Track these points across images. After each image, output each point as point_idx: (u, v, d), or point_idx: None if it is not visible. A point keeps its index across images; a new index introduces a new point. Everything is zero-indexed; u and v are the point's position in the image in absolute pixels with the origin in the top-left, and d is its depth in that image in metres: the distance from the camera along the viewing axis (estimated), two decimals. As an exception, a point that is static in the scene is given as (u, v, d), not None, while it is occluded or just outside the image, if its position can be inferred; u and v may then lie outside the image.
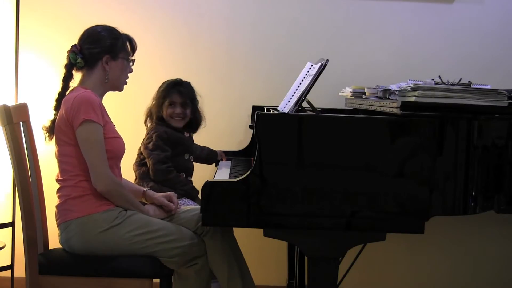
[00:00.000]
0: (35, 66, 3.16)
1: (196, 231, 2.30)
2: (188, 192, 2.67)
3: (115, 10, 3.15)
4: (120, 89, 2.36)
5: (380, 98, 2.52)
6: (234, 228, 2.39)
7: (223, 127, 3.20)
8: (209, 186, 1.99)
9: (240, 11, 3.19)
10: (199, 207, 2.21)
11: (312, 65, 2.48)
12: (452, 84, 2.27)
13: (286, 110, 2.38)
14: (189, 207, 2.44)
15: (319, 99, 2.77)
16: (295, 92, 2.43)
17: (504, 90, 2.18)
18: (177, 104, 2.72)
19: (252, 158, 2.73)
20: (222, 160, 3.00)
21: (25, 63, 3.12)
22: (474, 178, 2.03)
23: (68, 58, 2.27)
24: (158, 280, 2.32)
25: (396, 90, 2.29)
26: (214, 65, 3.20)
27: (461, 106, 2.11)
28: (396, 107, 2.06)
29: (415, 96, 2.10)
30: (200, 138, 2.94)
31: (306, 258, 2.09)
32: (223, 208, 1.99)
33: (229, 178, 2.46)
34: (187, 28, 3.18)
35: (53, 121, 2.29)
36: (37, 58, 3.16)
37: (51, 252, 2.30)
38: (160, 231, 2.22)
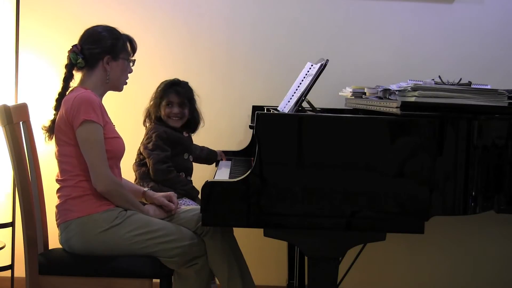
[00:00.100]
0: (35, 66, 3.16)
1: (196, 231, 2.30)
2: (188, 192, 2.67)
3: (115, 10, 3.15)
4: (120, 89, 2.37)
5: (380, 98, 2.52)
6: (234, 228, 2.38)
7: (223, 127, 3.20)
8: (209, 186, 1.99)
9: (240, 11, 3.19)
10: (199, 207, 2.21)
11: (312, 65, 2.48)
12: (452, 84, 2.27)
13: (286, 110, 2.38)
14: (189, 207, 2.44)
15: (319, 99, 2.77)
16: (295, 92, 2.43)
17: (504, 90, 2.18)
18: (174, 104, 2.72)
19: (252, 158, 2.73)
20: (222, 160, 3.00)
21: (25, 63, 3.12)
22: (474, 178, 2.03)
23: (69, 58, 2.27)
24: (158, 280, 2.32)
25: (396, 90, 2.29)
26: (214, 65, 3.20)
27: (461, 106, 2.11)
28: (396, 107, 2.06)
29: (415, 96, 2.10)
30: (200, 138, 2.94)
31: (306, 258, 2.09)
32: (223, 208, 1.99)
33: (229, 178, 2.46)
34: (187, 28, 3.18)
35: (53, 121, 2.29)
36: (37, 58, 3.16)
37: (51, 252, 2.30)
38: (160, 231, 2.22)
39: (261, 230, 2.03)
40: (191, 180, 2.77)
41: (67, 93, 2.29)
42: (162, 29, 3.18)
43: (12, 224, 2.98)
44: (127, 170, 2.61)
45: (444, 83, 2.28)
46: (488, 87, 2.32)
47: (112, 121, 2.32)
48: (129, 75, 2.37)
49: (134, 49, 2.37)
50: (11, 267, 3.01)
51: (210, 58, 3.19)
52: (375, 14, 3.19)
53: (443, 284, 3.29)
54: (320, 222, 1.99)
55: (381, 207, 1.99)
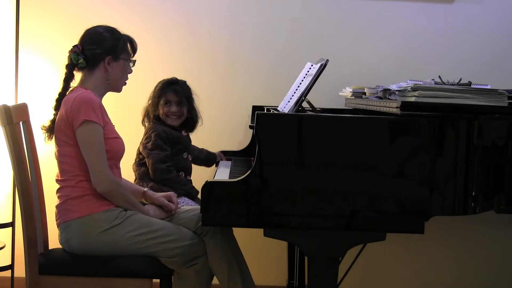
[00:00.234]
0: (35, 66, 3.16)
1: (196, 231, 2.30)
2: (188, 191, 2.67)
3: (116, 10, 3.15)
4: (119, 90, 2.37)
5: (380, 98, 2.52)
6: (234, 228, 2.38)
7: (223, 127, 3.20)
8: (209, 186, 1.99)
9: (240, 11, 3.18)
10: (199, 207, 2.21)
11: (312, 65, 2.48)
12: (452, 84, 2.27)
13: (286, 110, 2.38)
14: (189, 207, 2.44)
15: (319, 99, 2.77)
16: (295, 92, 2.43)
17: (504, 90, 2.18)
18: (172, 103, 2.72)
19: (252, 158, 2.73)
20: (221, 160, 3.00)
21: (25, 63, 3.12)
22: (474, 178, 2.03)
23: (70, 58, 2.27)
24: (158, 280, 2.32)
25: (396, 90, 2.29)
26: (214, 65, 3.19)
27: (461, 106, 2.11)
28: (396, 107, 2.06)
29: (415, 96, 2.10)
30: (200, 138, 2.94)
31: (306, 258, 2.09)
32: (223, 208, 1.99)
33: (229, 178, 2.46)
34: (187, 29, 3.18)
35: (53, 121, 2.29)
36: (37, 58, 3.15)
37: (51, 252, 2.30)
38: (160, 231, 2.23)
39: (261, 230, 2.03)
40: (191, 180, 2.77)
41: (67, 93, 2.29)
42: (162, 29, 3.18)
43: (12, 224, 2.98)
44: (127, 170, 2.61)
45: (444, 83, 2.28)
46: (488, 87, 2.32)
47: (112, 121, 2.32)
48: (129, 75, 2.38)
49: (134, 50, 2.37)
50: (11, 267, 3.01)
51: (210, 58, 3.19)
52: (375, 14, 3.19)
53: (443, 284, 3.29)
54: (320, 222, 1.99)
55: (381, 207, 1.99)
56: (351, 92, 2.86)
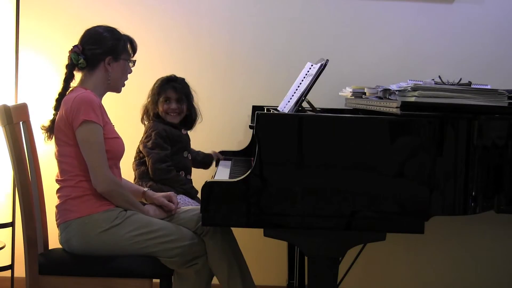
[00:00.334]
0: (35, 66, 3.15)
1: (196, 231, 2.30)
2: (187, 191, 2.67)
3: (116, 10, 3.15)
4: (119, 90, 2.37)
5: (380, 98, 2.52)
6: (234, 228, 2.38)
7: (223, 127, 3.20)
8: (209, 186, 1.99)
9: (240, 11, 3.18)
10: (199, 207, 2.21)
11: (312, 65, 2.48)
12: (452, 84, 2.27)
13: (286, 110, 2.38)
14: (189, 207, 2.44)
15: (319, 99, 2.77)
16: (295, 92, 2.43)
17: (504, 90, 2.18)
18: (172, 100, 2.71)
19: (252, 158, 2.73)
20: (219, 159, 2.99)
21: (25, 63, 3.12)
22: (474, 178, 2.03)
23: (70, 58, 2.27)
24: (158, 280, 2.32)
25: (396, 90, 2.29)
26: (214, 65, 3.19)
27: (461, 106, 2.11)
28: (396, 107, 2.06)
29: (415, 96, 2.10)
30: (201, 138, 2.94)
31: (306, 258, 2.09)
32: (223, 208, 1.99)
33: (229, 178, 2.46)
34: (187, 29, 3.18)
35: (52, 121, 2.29)
36: (37, 58, 3.15)
37: (51, 252, 2.30)
38: (160, 231, 2.23)
39: (261, 230, 2.03)
40: (191, 179, 2.77)
41: (67, 93, 2.29)
42: (162, 29, 3.18)
43: (12, 224, 2.98)
44: (127, 170, 2.61)
45: (444, 83, 2.28)
46: (488, 87, 2.32)
47: (112, 121, 2.32)
48: (129, 75, 2.38)
49: (134, 50, 2.37)
50: (11, 267, 3.01)
51: (211, 58, 3.19)
52: (375, 14, 3.19)
53: (443, 284, 3.29)
54: (320, 222, 1.99)
55: (381, 207, 1.99)
56: (351, 92, 2.86)
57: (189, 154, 2.78)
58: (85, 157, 2.18)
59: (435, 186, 2.00)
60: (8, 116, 2.16)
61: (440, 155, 2.01)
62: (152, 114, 2.75)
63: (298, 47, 3.18)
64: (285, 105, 2.44)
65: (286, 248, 3.12)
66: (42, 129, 2.31)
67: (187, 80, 2.79)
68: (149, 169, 2.63)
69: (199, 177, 2.67)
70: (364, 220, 2.00)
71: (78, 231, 2.19)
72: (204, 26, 3.18)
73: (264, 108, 2.81)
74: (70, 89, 2.30)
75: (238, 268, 2.32)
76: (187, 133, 2.81)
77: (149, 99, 2.76)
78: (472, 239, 3.27)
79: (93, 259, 2.20)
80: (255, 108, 3.01)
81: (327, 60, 2.31)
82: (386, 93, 2.44)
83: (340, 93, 3.02)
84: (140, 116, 2.79)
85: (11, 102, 2.77)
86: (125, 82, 2.38)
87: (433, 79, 2.33)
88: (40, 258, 2.22)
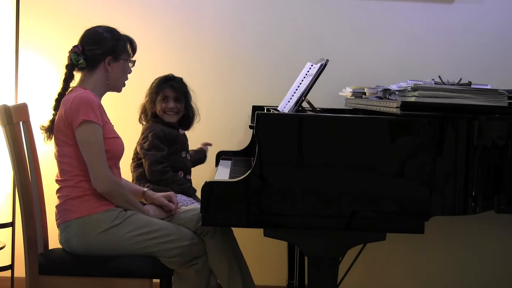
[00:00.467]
0: (35, 66, 3.15)
1: (196, 231, 2.30)
2: (185, 191, 2.66)
3: (116, 10, 3.15)
4: (119, 90, 2.37)
5: (380, 98, 2.52)
6: (234, 228, 2.38)
7: (223, 127, 3.20)
8: (209, 186, 1.99)
9: (241, 12, 3.18)
10: (199, 207, 2.21)
11: (312, 65, 2.48)
12: (452, 84, 2.27)
13: (286, 110, 2.38)
14: (189, 207, 2.44)
15: (319, 99, 2.77)
16: (295, 92, 2.43)
17: (504, 90, 2.18)
18: (170, 99, 2.71)
19: (252, 158, 2.73)
20: (209, 145, 2.96)
21: (25, 63, 3.12)
22: (474, 178, 2.03)
23: (70, 58, 2.27)
24: (158, 280, 2.32)
25: (396, 90, 2.29)
26: (214, 65, 3.19)
27: (461, 106, 2.11)
28: (396, 107, 2.06)
29: (415, 96, 2.10)
30: (201, 138, 2.94)
31: (306, 258, 2.09)
32: (223, 208, 1.99)
33: (229, 178, 2.46)
34: (188, 29, 3.18)
35: (52, 121, 2.29)
36: (37, 58, 3.15)
37: (51, 252, 2.30)
38: (160, 231, 2.22)
39: (261, 230, 2.03)
40: (190, 179, 2.77)
41: (66, 93, 2.29)
42: (163, 29, 3.18)
43: (12, 224, 2.98)
44: (126, 170, 2.60)
45: (444, 83, 2.28)
46: (488, 87, 2.32)
47: (112, 121, 2.32)
48: (129, 75, 2.38)
49: (134, 50, 2.38)
50: (11, 267, 3.01)
51: (211, 58, 3.19)
52: (375, 14, 3.19)
53: (443, 284, 3.29)
54: (320, 222, 1.99)
55: (381, 207, 1.99)
56: (351, 92, 2.86)
57: (187, 154, 2.78)
58: (85, 157, 2.18)
59: (435, 186, 2.00)
60: (8, 116, 2.16)
61: (440, 155, 2.01)
62: (150, 113, 2.74)
63: (298, 47, 3.18)
64: (285, 105, 2.44)
65: (286, 248, 3.12)
66: (41, 129, 2.31)
67: (187, 80, 2.79)
68: (146, 171, 2.62)
69: (199, 177, 2.66)
70: (364, 220, 2.00)
71: (78, 231, 2.19)
72: (204, 26, 3.18)
73: (264, 108, 2.80)
74: (70, 89, 2.30)
75: (238, 268, 2.32)
76: (184, 133, 2.81)
77: (147, 98, 2.76)
78: (472, 239, 3.27)
79: (93, 259, 2.20)
80: (255, 108, 3.01)
81: (327, 60, 2.31)
82: (386, 93, 2.44)
83: (340, 93, 3.02)
84: (138, 116, 2.79)
85: (11, 102, 2.77)
86: (125, 82, 2.38)
87: (433, 79, 2.33)
88: (40, 258, 2.22)
